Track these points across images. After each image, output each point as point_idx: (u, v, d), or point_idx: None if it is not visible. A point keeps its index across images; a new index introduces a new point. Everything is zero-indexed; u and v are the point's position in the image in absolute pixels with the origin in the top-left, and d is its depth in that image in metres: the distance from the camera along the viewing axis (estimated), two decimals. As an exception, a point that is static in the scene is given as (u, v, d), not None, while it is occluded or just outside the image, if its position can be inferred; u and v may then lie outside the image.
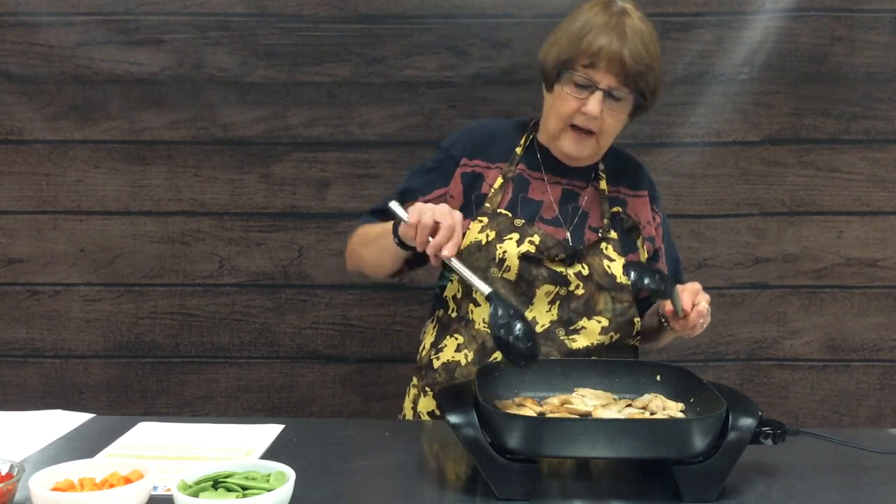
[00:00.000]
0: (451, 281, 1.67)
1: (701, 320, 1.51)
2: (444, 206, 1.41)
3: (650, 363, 1.43)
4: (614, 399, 1.35)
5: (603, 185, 1.68)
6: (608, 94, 1.55)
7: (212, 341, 2.23)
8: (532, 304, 1.60)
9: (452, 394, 1.27)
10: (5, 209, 2.20)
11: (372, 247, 1.65)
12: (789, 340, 2.21)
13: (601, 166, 1.69)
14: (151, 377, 2.24)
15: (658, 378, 1.40)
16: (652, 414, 1.28)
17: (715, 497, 1.17)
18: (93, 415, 1.58)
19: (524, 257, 1.58)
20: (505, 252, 1.58)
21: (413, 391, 1.71)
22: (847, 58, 2.11)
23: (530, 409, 1.30)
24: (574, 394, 1.37)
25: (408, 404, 1.73)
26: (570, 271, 1.59)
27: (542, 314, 1.60)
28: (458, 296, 1.66)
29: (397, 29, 2.11)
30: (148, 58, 2.13)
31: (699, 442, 1.14)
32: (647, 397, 1.34)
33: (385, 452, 1.39)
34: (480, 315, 1.61)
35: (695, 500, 1.16)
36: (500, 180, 1.66)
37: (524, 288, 1.59)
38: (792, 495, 1.19)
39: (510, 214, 1.63)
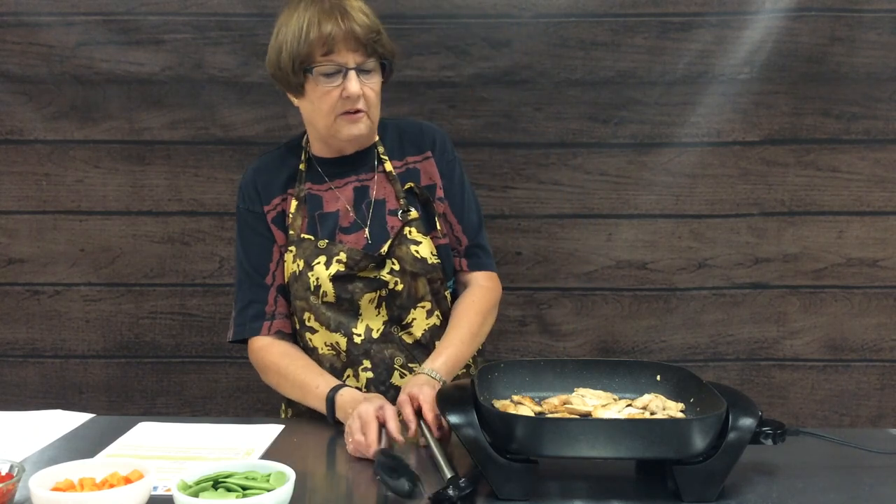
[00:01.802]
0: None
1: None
2: (362, 411, 1.38)
3: (650, 363, 1.43)
4: (614, 399, 1.35)
5: (388, 166, 1.69)
6: (359, 71, 1.57)
7: (212, 341, 2.23)
8: (360, 314, 1.62)
9: (452, 394, 1.27)
10: (5, 209, 2.20)
11: (293, 394, 1.62)
12: (789, 340, 2.21)
13: (380, 149, 1.71)
14: (151, 377, 2.24)
15: (658, 378, 1.40)
16: (652, 414, 1.28)
17: (715, 497, 1.17)
18: (93, 415, 1.58)
19: (336, 278, 1.60)
20: (318, 278, 1.61)
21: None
22: (847, 58, 2.11)
23: (529, 409, 1.30)
24: (574, 394, 1.37)
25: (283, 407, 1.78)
26: (384, 272, 1.61)
27: (373, 320, 1.63)
28: (297, 327, 1.67)
29: (397, 29, 2.10)
30: (148, 58, 2.13)
31: (699, 442, 1.14)
32: (647, 397, 1.34)
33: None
34: (320, 340, 1.64)
35: (695, 500, 1.16)
36: (294, 203, 1.67)
37: (347, 305, 1.61)
38: (792, 495, 1.19)
39: (312, 237, 1.64)
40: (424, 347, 1.64)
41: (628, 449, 1.15)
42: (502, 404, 1.31)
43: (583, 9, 2.11)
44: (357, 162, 1.70)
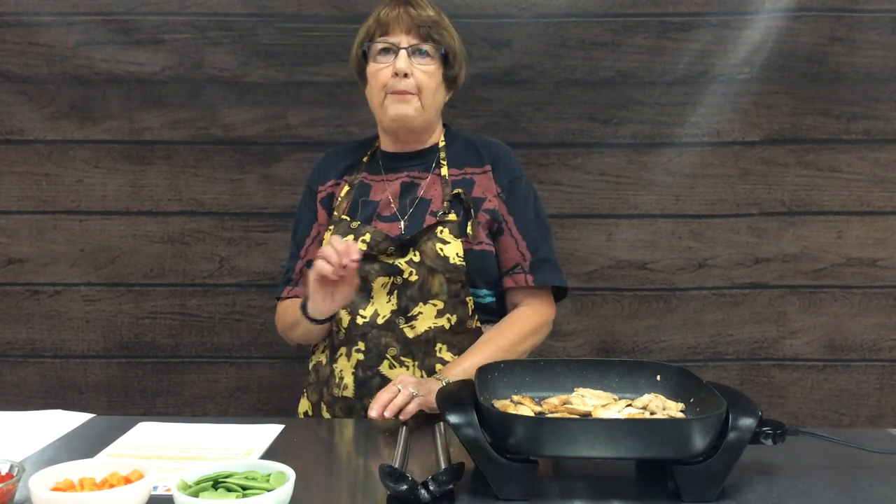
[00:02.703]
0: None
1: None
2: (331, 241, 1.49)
3: (650, 363, 1.43)
4: (614, 399, 1.35)
5: (444, 171, 1.73)
6: (412, 52, 1.65)
7: (212, 341, 2.23)
8: (372, 297, 1.65)
9: (452, 394, 1.27)
10: (5, 209, 2.20)
11: (297, 330, 1.71)
12: (789, 340, 2.21)
13: (441, 154, 1.75)
14: (151, 377, 2.24)
15: (658, 378, 1.39)
16: (652, 414, 1.28)
17: (715, 497, 1.17)
18: (93, 415, 1.58)
19: None
20: None
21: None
22: (847, 58, 2.11)
23: (529, 409, 1.30)
24: (574, 394, 1.37)
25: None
26: (402, 260, 1.64)
27: (382, 305, 1.65)
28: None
29: (397, 29, 2.11)
30: (148, 58, 2.13)
31: (699, 442, 1.14)
32: (647, 397, 1.34)
33: (385, 452, 1.39)
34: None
35: (695, 500, 1.16)
36: (346, 189, 1.75)
37: (361, 284, 1.63)
38: (792, 495, 1.19)
39: (348, 219, 1.70)
40: (424, 345, 1.64)
41: (628, 449, 1.15)
42: (502, 404, 1.31)
43: (583, 9, 2.11)
44: (416, 158, 1.75)
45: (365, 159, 1.78)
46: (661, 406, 1.30)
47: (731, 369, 2.22)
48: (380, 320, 1.65)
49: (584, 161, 2.16)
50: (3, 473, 1.14)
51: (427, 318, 1.65)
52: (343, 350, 1.67)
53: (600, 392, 1.37)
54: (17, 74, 2.14)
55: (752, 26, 2.10)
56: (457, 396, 1.24)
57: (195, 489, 1.09)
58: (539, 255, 1.73)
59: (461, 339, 1.67)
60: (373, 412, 1.45)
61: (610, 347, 2.22)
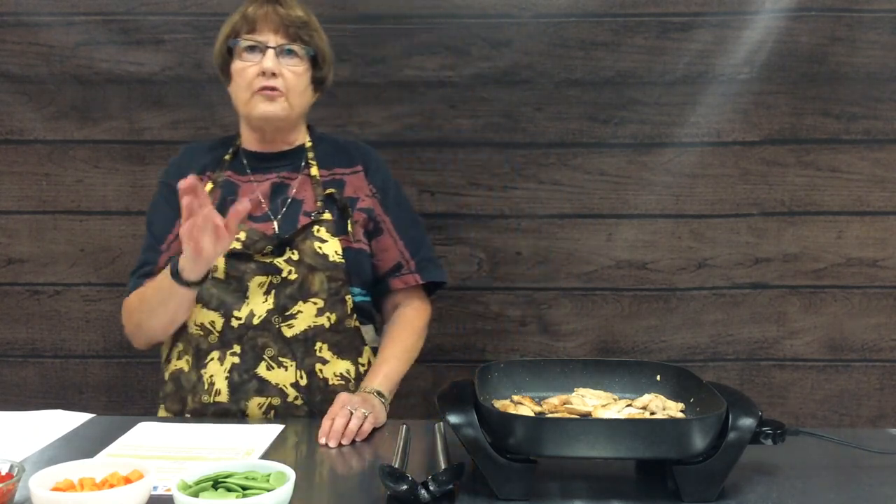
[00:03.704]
0: None
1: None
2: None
3: (650, 363, 1.43)
4: (614, 399, 1.35)
5: (314, 171, 1.72)
6: (280, 52, 1.64)
7: (212, 341, 2.23)
8: (247, 297, 1.63)
9: (452, 394, 1.27)
10: (5, 209, 2.20)
11: (164, 312, 1.62)
12: (789, 340, 2.21)
13: (310, 154, 1.74)
14: (151, 377, 2.24)
15: (658, 378, 1.40)
16: (652, 414, 1.28)
17: (715, 497, 1.17)
18: (93, 415, 1.58)
19: (230, 255, 1.61)
20: None
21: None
22: (847, 58, 2.11)
23: (529, 409, 1.30)
24: (574, 394, 1.37)
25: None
26: (280, 259, 1.62)
27: (258, 305, 1.62)
28: None
29: (397, 29, 2.11)
30: (148, 58, 2.13)
31: (699, 442, 1.14)
32: (647, 397, 1.34)
33: (385, 452, 1.39)
34: (191, 320, 1.64)
35: (695, 500, 1.16)
36: (209, 185, 1.71)
37: (235, 285, 1.62)
38: (792, 495, 1.19)
39: None
40: (303, 344, 1.62)
41: (628, 449, 1.15)
42: (502, 404, 1.31)
43: (583, 9, 2.11)
44: (283, 159, 1.74)
45: (227, 157, 1.74)
46: (661, 406, 1.30)
47: (731, 369, 2.22)
48: (256, 321, 1.61)
49: (584, 161, 2.16)
50: (3, 473, 1.14)
51: (307, 316, 1.63)
52: (215, 355, 1.62)
53: (600, 392, 1.37)
54: (17, 74, 2.14)
55: (752, 26, 2.10)
56: (457, 396, 1.24)
57: (195, 489, 1.09)
58: (422, 255, 1.77)
59: (341, 338, 1.66)
60: (332, 442, 1.40)
61: (610, 347, 2.22)
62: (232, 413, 1.61)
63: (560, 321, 2.21)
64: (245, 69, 1.65)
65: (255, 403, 1.60)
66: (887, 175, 2.16)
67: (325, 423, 1.44)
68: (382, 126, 2.15)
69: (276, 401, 1.60)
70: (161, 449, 1.38)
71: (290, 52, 1.66)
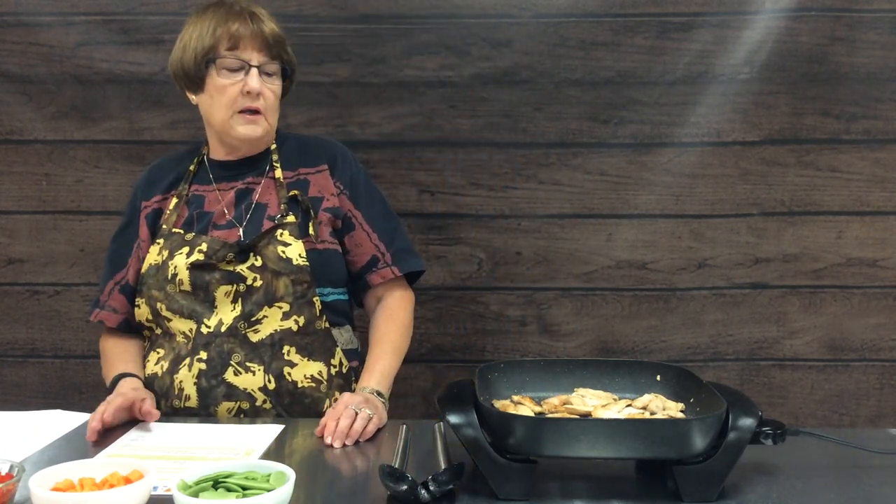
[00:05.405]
0: (139, 307, 1.69)
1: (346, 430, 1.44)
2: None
3: (650, 363, 1.43)
4: (614, 399, 1.35)
5: (279, 173, 1.72)
6: (262, 71, 1.64)
7: (212, 341, 2.23)
8: (215, 306, 1.63)
9: (452, 394, 1.27)
10: (5, 209, 2.20)
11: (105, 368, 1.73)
12: (789, 340, 2.21)
13: (274, 157, 1.73)
14: (151, 377, 2.24)
15: (658, 378, 1.40)
16: (652, 414, 1.28)
17: (715, 497, 1.17)
18: (93, 415, 1.58)
19: (194, 266, 1.61)
20: (176, 266, 1.63)
21: None
22: (847, 58, 2.11)
23: (529, 409, 1.30)
24: (574, 394, 1.37)
25: None
26: (244, 266, 1.62)
27: (227, 314, 1.62)
28: (150, 317, 1.69)
29: (397, 29, 2.11)
30: (148, 58, 2.13)
31: (699, 442, 1.14)
32: (647, 397, 1.34)
33: (385, 452, 1.39)
34: (176, 328, 1.65)
35: (695, 500, 1.16)
36: (174, 201, 1.71)
37: (203, 295, 1.62)
38: (792, 495, 1.19)
39: (182, 231, 1.67)
40: (270, 348, 1.62)
41: (628, 449, 1.15)
42: (502, 404, 1.31)
43: (583, 9, 2.11)
44: (248, 166, 1.73)
45: (192, 167, 1.75)
46: (661, 406, 1.30)
47: (731, 369, 2.22)
48: (223, 328, 1.62)
49: (584, 161, 2.16)
50: (3, 473, 1.15)
51: (272, 321, 1.63)
52: (187, 361, 1.62)
53: (600, 392, 1.37)
54: (17, 74, 2.14)
55: (752, 26, 2.10)
56: (457, 396, 1.24)
57: (195, 489, 1.09)
58: (397, 246, 1.76)
59: (310, 340, 1.66)
60: (337, 442, 1.40)
61: (610, 347, 2.22)
62: (202, 418, 1.60)
63: (560, 321, 2.21)
64: (226, 87, 1.63)
65: (224, 408, 1.60)
66: (887, 175, 2.16)
67: (330, 422, 1.44)
68: (382, 126, 2.15)
69: (246, 405, 1.60)
70: (161, 449, 1.38)
71: (270, 73, 1.66)
